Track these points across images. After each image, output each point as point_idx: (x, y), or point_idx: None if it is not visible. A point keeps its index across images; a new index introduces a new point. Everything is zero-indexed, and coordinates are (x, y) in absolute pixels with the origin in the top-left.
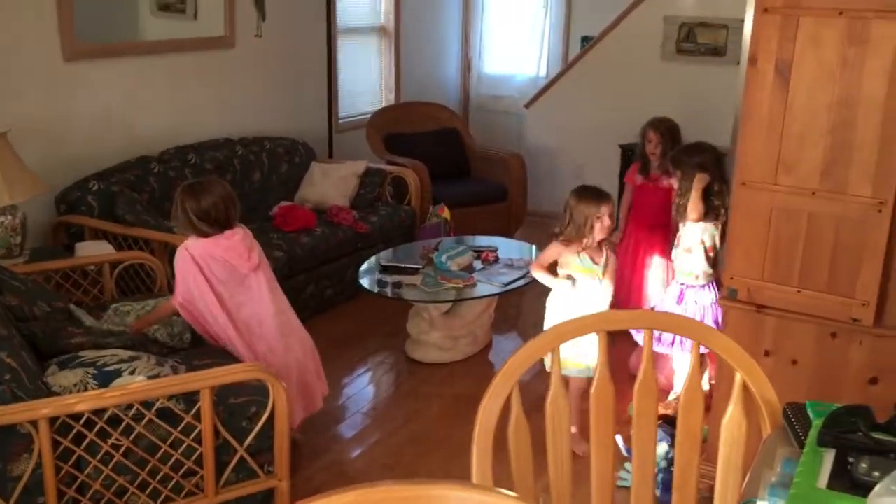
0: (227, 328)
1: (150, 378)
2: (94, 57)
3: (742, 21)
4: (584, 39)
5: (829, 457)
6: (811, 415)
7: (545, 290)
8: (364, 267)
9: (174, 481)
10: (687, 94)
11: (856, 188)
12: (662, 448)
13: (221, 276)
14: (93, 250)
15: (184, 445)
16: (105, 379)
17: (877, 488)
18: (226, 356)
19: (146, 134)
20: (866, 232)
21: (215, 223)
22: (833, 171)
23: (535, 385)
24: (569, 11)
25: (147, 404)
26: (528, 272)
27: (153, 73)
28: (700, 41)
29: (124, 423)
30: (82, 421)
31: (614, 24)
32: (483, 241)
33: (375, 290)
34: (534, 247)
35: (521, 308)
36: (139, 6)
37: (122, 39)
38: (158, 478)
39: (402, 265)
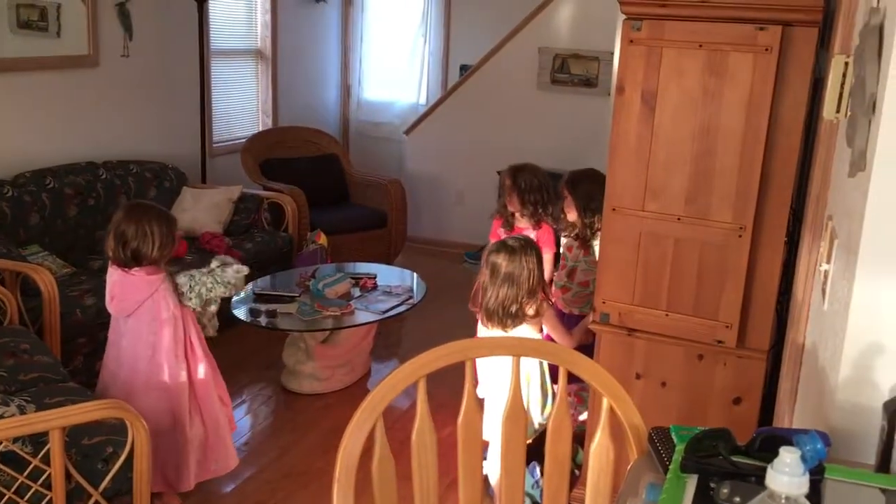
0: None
1: None
2: None
3: (612, 54)
4: (463, 68)
5: (691, 483)
6: (675, 439)
7: (424, 318)
8: (238, 295)
9: None
10: (562, 123)
11: (717, 214)
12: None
13: None
14: None
15: (31, 491)
16: None
17: None
18: (81, 393)
19: (0, 156)
20: (728, 256)
21: (128, 251)
22: (696, 197)
23: (413, 414)
24: (447, 40)
25: None
26: (407, 298)
27: (10, 93)
28: (573, 72)
29: None
30: None
31: (491, 54)
32: (362, 267)
33: (248, 319)
34: (415, 273)
35: (401, 335)
36: None
37: None
38: None
39: (278, 293)
